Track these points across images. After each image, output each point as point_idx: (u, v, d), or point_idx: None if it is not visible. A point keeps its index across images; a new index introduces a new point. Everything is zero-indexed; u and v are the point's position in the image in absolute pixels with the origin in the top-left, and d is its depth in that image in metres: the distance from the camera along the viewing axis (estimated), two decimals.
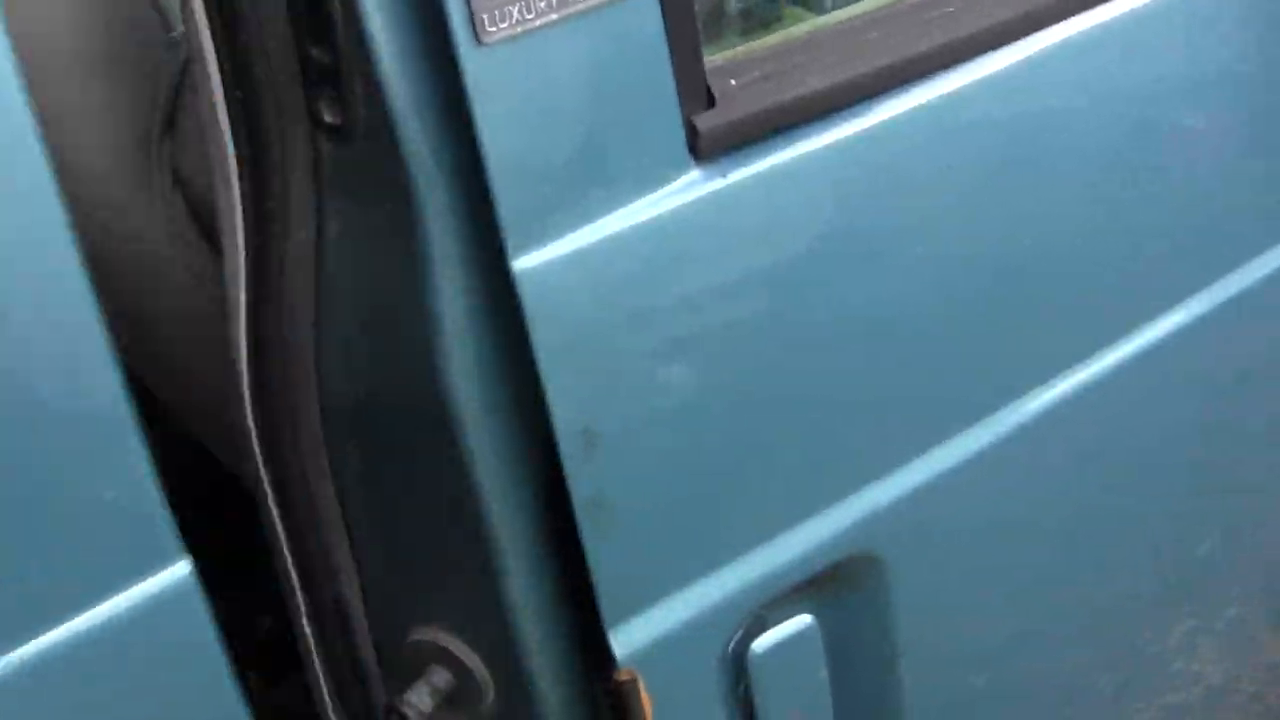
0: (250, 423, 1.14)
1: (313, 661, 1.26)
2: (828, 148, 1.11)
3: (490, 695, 1.17)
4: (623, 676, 1.12)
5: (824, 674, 1.24)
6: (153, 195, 1.32)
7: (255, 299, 1.11)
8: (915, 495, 1.24)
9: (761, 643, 1.19)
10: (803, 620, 1.21)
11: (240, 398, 1.13)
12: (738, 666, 1.19)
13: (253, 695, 1.99)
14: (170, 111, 1.32)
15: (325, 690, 1.27)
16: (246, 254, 1.10)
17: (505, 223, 0.99)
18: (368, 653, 1.23)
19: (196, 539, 2.19)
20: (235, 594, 2.18)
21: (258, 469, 1.16)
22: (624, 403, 1.06)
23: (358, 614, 1.21)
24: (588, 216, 1.02)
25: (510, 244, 0.99)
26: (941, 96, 1.15)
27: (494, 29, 0.96)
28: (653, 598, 1.13)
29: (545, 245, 1.01)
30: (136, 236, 1.34)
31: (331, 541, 1.18)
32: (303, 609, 1.23)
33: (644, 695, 1.13)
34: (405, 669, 1.20)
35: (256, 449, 1.15)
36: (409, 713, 1.16)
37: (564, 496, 1.06)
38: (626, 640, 1.12)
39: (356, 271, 1.07)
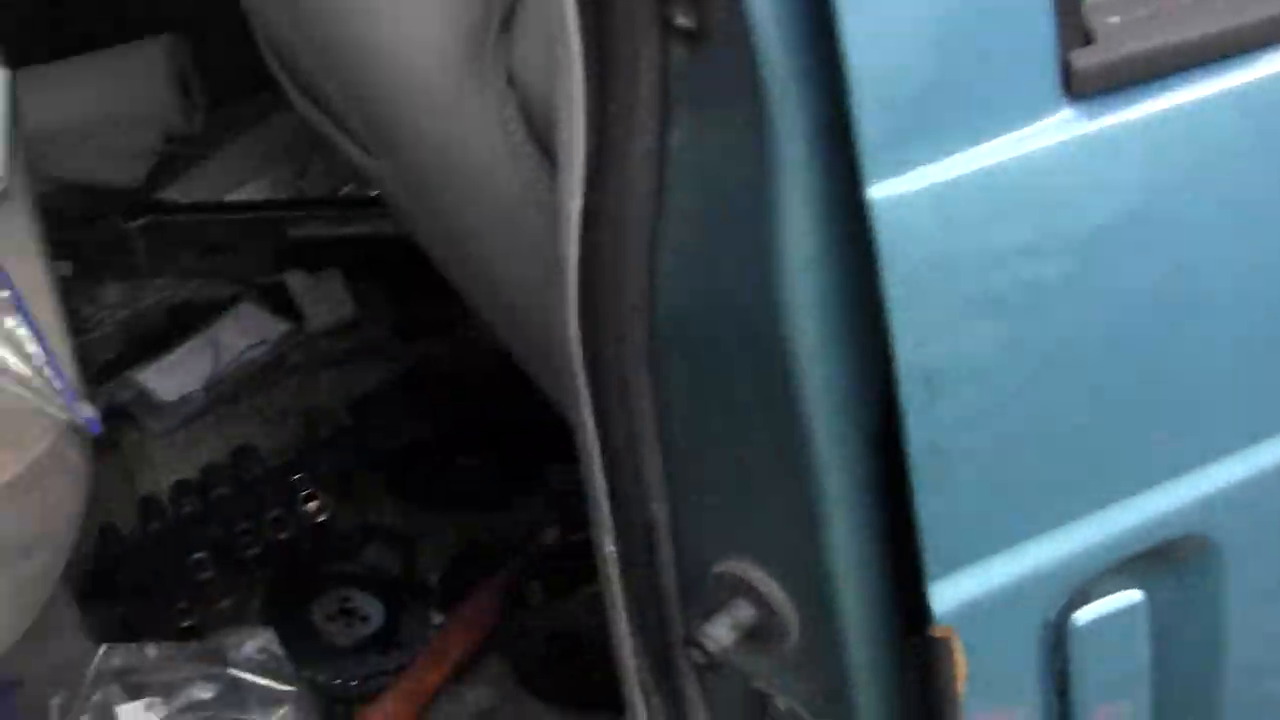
0: (574, 335, 1.10)
1: (612, 582, 1.23)
2: (1213, 98, 1.02)
3: (793, 637, 1.13)
4: (939, 633, 1.07)
5: (1146, 654, 1.17)
6: (484, 96, 1.28)
7: (589, 208, 1.07)
8: (1258, 481, 1.15)
9: (1084, 614, 1.12)
10: (1131, 596, 1.14)
11: (566, 310, 1.10)
12: (1056, 636, 1.13)
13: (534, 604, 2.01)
14: (510, 6, 1.28)
15: (621, 612, 1.24)
16: (584, 161, 1.07)
17: (864, 147, 0.93)
18: (669, 578, 1.20)
19: (494, 449, 2.22)
20: (523, 503, 2.21)
21: (578, 383, 1.13)
22: (971, 349, 1.00)
23: (665, 538, 1.18)
24: (950, 148, 0.96)
25: (867, 170, 0.93)
26: None
27: None
28: (978, 555, 1.07)
29: (903, 174, 0.94)
30: (463, 139, 1.32)
31: (647, 462, 1.14)
32: (608, 528, 1.20)
33: (958, 655, 1.07)
34: (707, 600, 1.16)
35: (579, 363, 1.11)
36: (708, 645, 1.12)
37: (896, 440, 1.01)
38: (946, 596, 1.06)
39: (699, 185, 1.03)
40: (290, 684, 1.92)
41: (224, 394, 2.46)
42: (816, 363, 1.00)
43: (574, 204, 1.07)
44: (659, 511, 1.17)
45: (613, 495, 1.18)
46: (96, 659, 1.88)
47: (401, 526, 2.21)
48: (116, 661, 1.89)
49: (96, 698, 1.85)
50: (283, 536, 2.13)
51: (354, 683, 1.99)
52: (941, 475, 1.02)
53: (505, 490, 2.23)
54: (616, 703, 1.87)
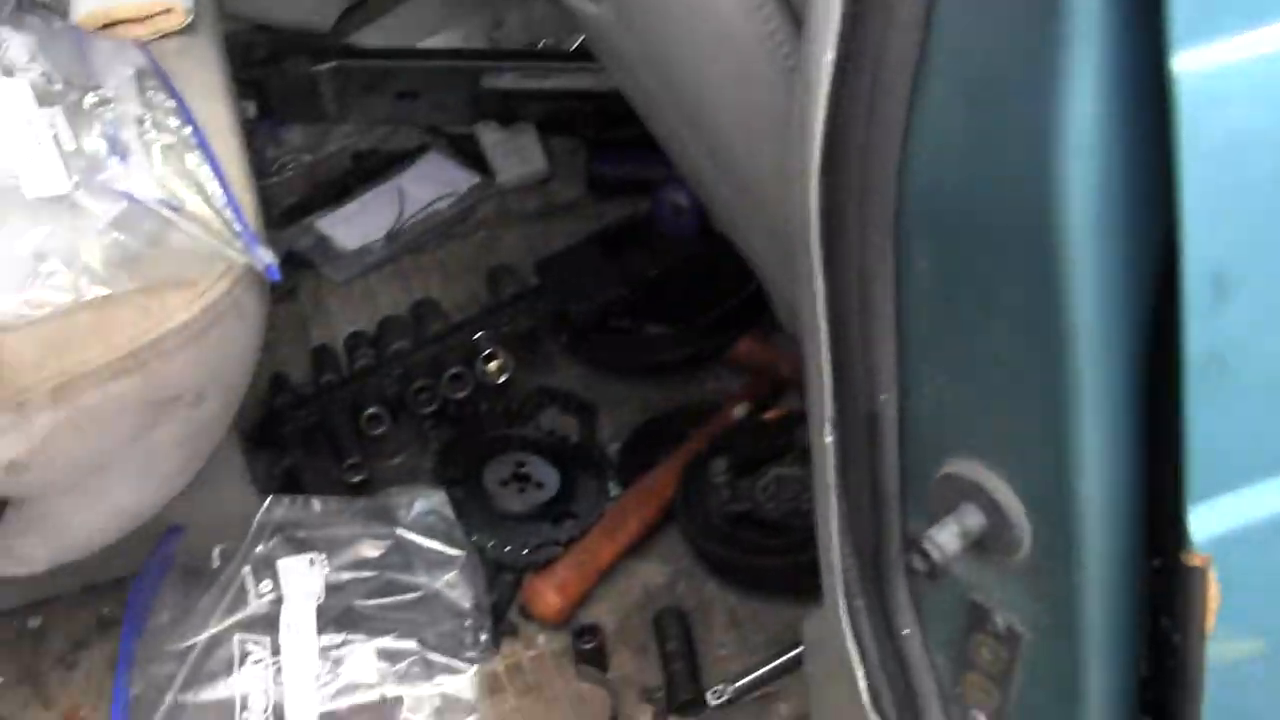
0: (814, 205, 1.01)
1: (826, 475, 1.14)
2: None
3: (1024, 549, 1.03)
4: (1195, 561, 0.96)
5: None
6: None
7: (841, 63, 0.97)
8: None
9: None
10: None
11: (806, 178, 1.00)
12: None
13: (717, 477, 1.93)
14: None
15: (833, 507, 1.15)
16: (840, 10, 0.96)
17: (1173, 10, 0.82)
18: (890, 476, 1.11)
19: (684, 317, 2.13)
20: (712, 376, 2.13)
21: (811, 257, 1.03)
22: (1273, 247, 0.89)
23: (890, 433, 1.08)
24: (1272, 14, 0.84)
25: (1174, 37, 0.82)
26: None
27: None
28: (1246, 479, 0.96)
29: (1213, 43, 0.83)
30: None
31: (879, 349, 1.05)
32: (829, 417, 1.11)
33: (1213, 586, 0.97)
34: (930, 502, 1.07)
35: (815, 236, 1.02)
36: (932, 552, 1.03)
37: (1169, 346, 0.90)
38: (1205, 522, 0.96)
39: (971, 44, 0.92)
40: (459, 548, 1.87)
41: (407, 245, 2.40)
42: (1089, 252, 0.89)
43: (825, 57, 0.97)
44: (887, 403, 1.07)
45: (837, 382, 1.09)
46: (261, 510, 1.84)
47: (582, 393, 2.14)
48: (281, 513, 1.86)
49: (259, 550, 1.82)
50: (460, 395, 2.07)
51: (524, 551, 1.93)
52: (1220, 389, 0.91)
53: (693, 361, 2.14)
54: (795, 589, 1.80)
